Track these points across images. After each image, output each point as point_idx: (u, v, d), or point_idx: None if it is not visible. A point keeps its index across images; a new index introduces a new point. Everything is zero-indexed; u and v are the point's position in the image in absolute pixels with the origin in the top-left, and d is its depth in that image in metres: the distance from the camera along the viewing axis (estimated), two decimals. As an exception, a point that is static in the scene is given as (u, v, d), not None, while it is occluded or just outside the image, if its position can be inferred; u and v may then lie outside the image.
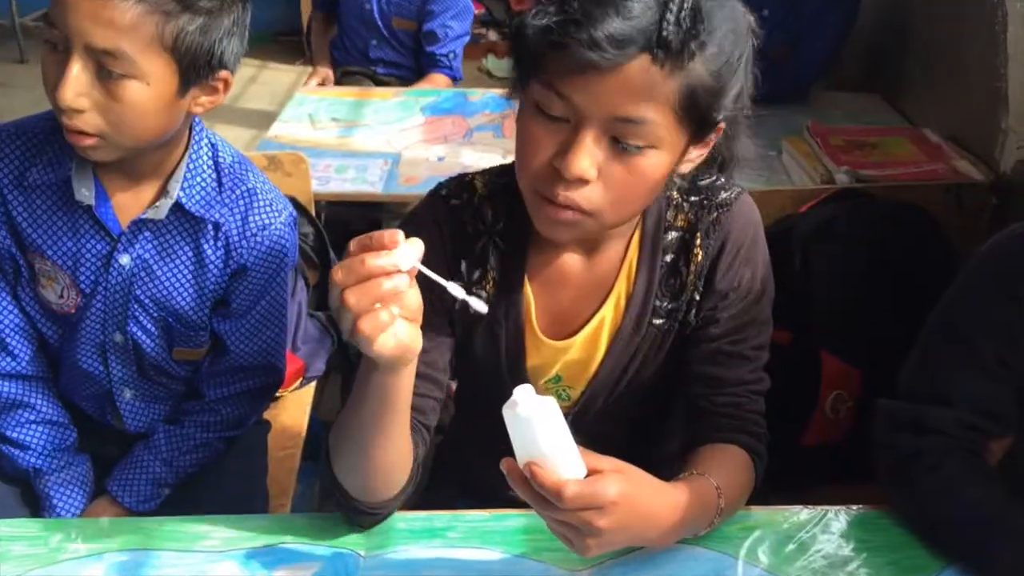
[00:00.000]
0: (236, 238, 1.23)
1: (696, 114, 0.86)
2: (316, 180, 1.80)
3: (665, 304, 1.04)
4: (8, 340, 1.26)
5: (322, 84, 2.72)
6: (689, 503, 0.91)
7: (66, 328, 1.27)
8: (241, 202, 1.23)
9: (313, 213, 1.80)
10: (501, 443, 1.15)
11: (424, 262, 0.79)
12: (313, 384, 1.77)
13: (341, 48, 2.84)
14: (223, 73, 1.13)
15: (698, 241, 1.02)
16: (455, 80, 2.70)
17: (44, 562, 0.98)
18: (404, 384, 0.86)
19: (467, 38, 2.79)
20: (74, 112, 1.05)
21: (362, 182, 1.95)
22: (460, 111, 2.36)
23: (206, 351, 1.35)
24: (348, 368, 1.88)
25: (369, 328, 0.75)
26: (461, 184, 1.06)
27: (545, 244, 1.04)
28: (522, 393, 0.80)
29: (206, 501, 1.30)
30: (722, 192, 1.03)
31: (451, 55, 2.66)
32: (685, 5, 0.81)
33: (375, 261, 0.74)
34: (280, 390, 1.66)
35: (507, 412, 0.81)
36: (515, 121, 0.94)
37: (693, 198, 1.03)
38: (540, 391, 1.09)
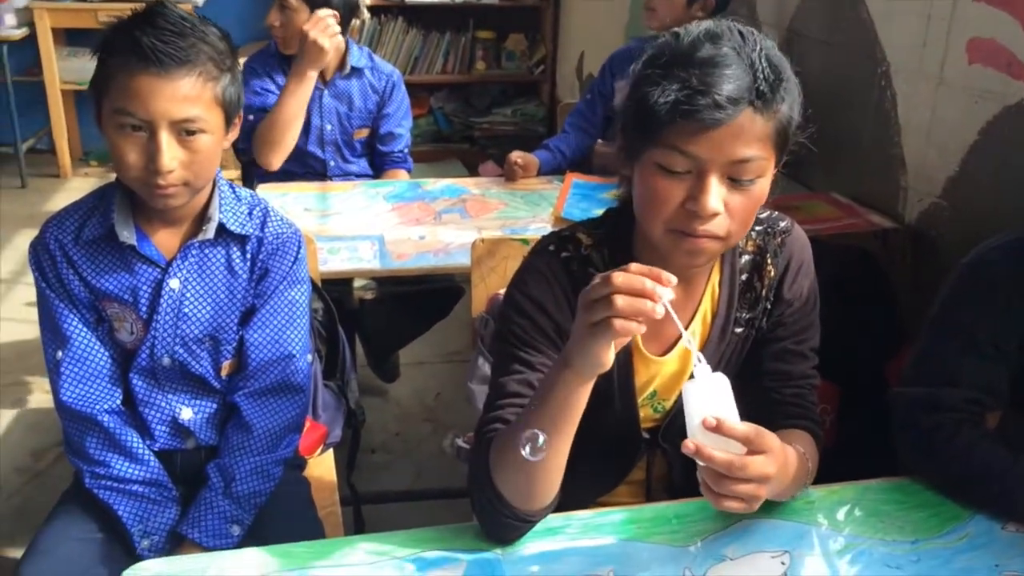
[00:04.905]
0: (256, 245, 1.48)
1: (783, 142, 1.10)
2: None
3: (744, 315, 1.25)
4: (110, 377, 1.44)
5: None
6: (797, 460, 1.10)
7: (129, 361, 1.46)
8: (259, 219, 1.49)
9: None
10: (587, 460, 1.28)
11: (542, 307, 1.15)
12: (331, 450, 1.86)
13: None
14: (241, 112, 1.44)
15: (769, 261, 1.24)
16: (409, 172, 2.84)
17: (214, 587, 1.06)
18: (585, 394, 1.02)
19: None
20: (169, 172, 1.31)
21: (358, 260, 2.09)
22: (421, 198, 2.51)
23: None
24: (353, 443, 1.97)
25: (621, 327, 0.92)
26: (562, 239, 1.23)
27: None
28: (702, 368, 0.98)
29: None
30: (780, 222, 1.26)
31: (407, 150, 2.80)
32: (766, 63, 1.05)
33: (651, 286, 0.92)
34: (307, 454, 1.75)
35: (689, 386, 0.98)
36: (636, 181, 1.12)
37: (758, 228, 1.25)
38: (641, 407, 1.27)
